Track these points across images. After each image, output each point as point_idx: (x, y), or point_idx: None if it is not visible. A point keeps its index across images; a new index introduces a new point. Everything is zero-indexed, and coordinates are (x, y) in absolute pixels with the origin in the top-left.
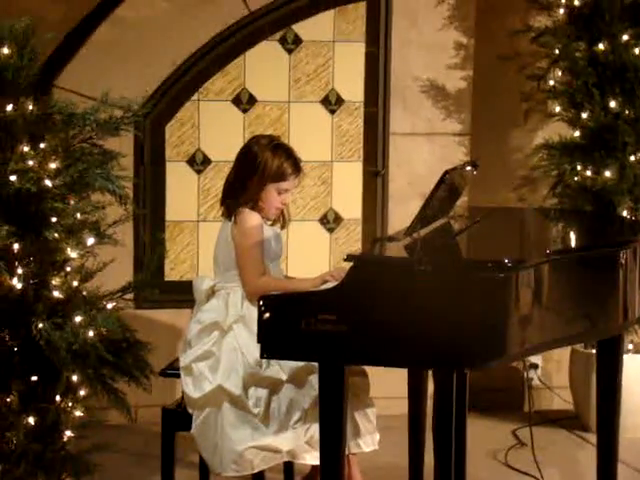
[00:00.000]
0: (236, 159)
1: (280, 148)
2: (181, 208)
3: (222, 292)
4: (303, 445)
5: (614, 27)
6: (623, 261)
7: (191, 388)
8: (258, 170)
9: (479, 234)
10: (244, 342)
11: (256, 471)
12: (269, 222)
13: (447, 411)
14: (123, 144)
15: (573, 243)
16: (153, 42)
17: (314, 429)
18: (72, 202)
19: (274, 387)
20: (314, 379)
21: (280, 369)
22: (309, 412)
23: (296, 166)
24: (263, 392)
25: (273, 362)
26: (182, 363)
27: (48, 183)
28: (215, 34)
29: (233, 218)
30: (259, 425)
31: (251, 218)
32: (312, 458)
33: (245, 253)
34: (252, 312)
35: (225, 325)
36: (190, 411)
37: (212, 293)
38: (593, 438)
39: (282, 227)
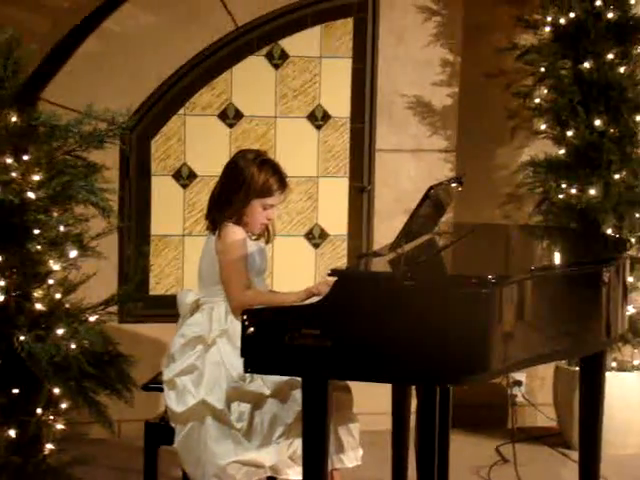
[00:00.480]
0: (222, 173)
1: (266, 164)
2: (166, 222)
3: (206, 306)
4: (286, 460)
5: (599, 46)
6: (606, 278)
7: (174, 402)
8: (244, 185)
9: (463, 250)
10: (227, 356)
11: None
12: (253, 237)
13: (429, 427)
14: (109, 157)
15: (557, 260)
16: (140, 56)
17: (297, 444)
18: (55, 214)
19: (257, 402)
20: (297, 394)
21: (263, 384)
22: (292, 427)
23: (282, 182)
24: (246, 407)
25: (256, 377)
26: (165, 377)
27: (31, 195)
28: (202, 49)
29: (217, 232)
30: (242, 440)
31: (235, 232)
32: (295, 473)
33: (229, 267)
34: (236, 326)
35: (209, 339)
36: (173, 425)
37: (196, 307)
38: (576, 455)
39: (267, 242)
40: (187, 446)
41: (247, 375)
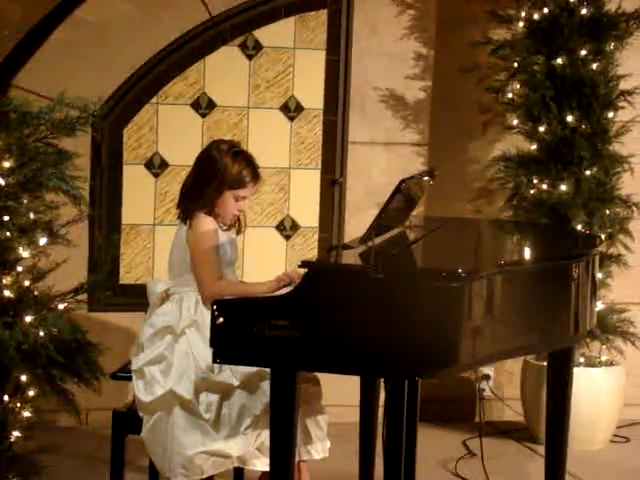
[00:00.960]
0: (195, 163)
1: (240, 155)
2: (137, 211)
3: (176, 296)
4: (253, 451)
5: (572, 42)
6: (575, 274)
7: (142, 391)
8: (217, 176)
9: (434, 244)
10: (196, 347)
11: (205, 476)
12: (224, 227)
13: (397, 420)
14: (80, 145)
15: (527, 255)
16: (113, 44)
17: (264, 435)
18: (25, 201)
19: (225, 392)
20: (266, 385)
21: (232, 375)
22: (260, 418)
23: (255, 174)
24: (214, 397)
25: (225, 367)
26: (134, 366)
27: (1, 181)
28: (175, 38)
29: (189, 222)
30: (210, 430)
31: (206, 223)
32: (262, 464)
33: (201, 257)
34: (205, 317)
35: (178, 329)
36: (141, 414)
37: (166, 297)
38: (542, 450)
39: (237, 233)
40: (154, 436)
41: (216, 366)
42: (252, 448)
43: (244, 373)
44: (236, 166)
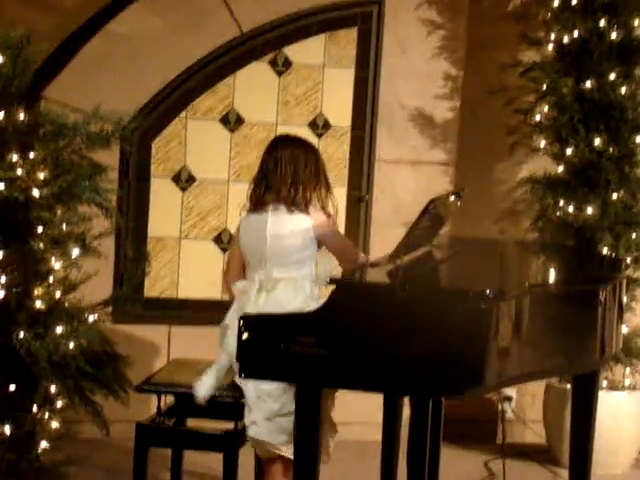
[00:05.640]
0: (299, 156)
1: None
2: (164, 224)
3: (290, 281)
4: None
5: (602, 65)
6: (602, 298)
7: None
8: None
9: (461, 264)
10: None
11: None
12: None
13: (422, 439)
14: (108, 157)
15: (554, 278)
16: (144, 58)
17: None
18: (59, 212)
19: None
20: None
21: None
22: None
23: None
24: None
25: None
26: None
27: (36, 193)
28: (206, 53)
29: (306, 212)
30: None
31: (321, 211)
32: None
33: (341, 237)
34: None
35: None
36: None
37: (274, 283)
38: (565, 473)
39: None
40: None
41: None
42: None
43: None
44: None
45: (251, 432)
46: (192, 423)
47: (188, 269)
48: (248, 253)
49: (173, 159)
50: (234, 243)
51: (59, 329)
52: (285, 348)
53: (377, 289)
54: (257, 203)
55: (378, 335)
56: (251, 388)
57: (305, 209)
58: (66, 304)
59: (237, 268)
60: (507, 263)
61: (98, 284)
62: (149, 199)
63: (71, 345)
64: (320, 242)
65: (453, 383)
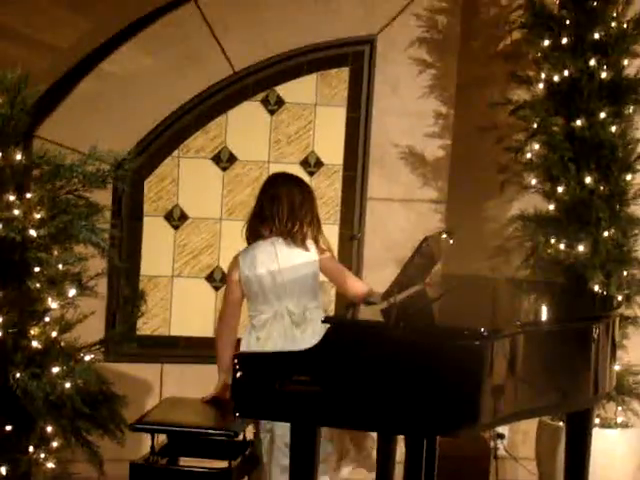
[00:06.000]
0: (297, 193)
1: None
2: (156, 263)
3: (314, 316)
4: None
5: (592, 104)
6: (595, 336)
7: None
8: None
9: (453, 302)
10: None
11: None
12: None
13: (417, 476)
14: (102, 197)
15: (547, 315)
16: (136, 97)
17: None
18: (55, 253)
19: None
20: None
21: None
22: None
23: None
24: None
25: None
26: None
27: (33, 233)
28: (198, 92)
29: (311, 246)
30: None
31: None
32: None
33: (341, 267)
34: None
35: None
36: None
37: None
38: None
39: None
40: None
41: None
42: None
43: None
44: None
45: None
46: (185, 462)
47: (180, 307)
48: (252, 287)
49: (165, 198)
50: (233, 282)
51: (55, 369)
52: (280, 387)
53: (371, 327)
54: (255, 237)
55: (372, 374)
56: None
57: (302, 244)
58: (62, 344)
59: (238, 306)
60: (499, 301)
61: (91, 324)
62: (142, 238)
63: (67, 385)
64: (326, 272)
65: (448, 422)
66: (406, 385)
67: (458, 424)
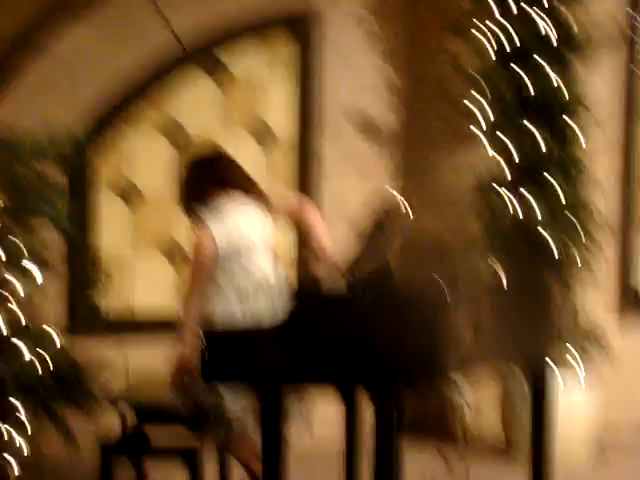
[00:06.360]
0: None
1: None
2: (115, 242)
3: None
4: None
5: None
6: (549, 284)
7: None
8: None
9: (412, 264)
10: None
11: None
12: None
13: (388, 434)
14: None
15: (505, 266)
16: (82, 73)
17: None
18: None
19: None
20: None
21: None
22: None
23: None
24: None
25: None
26: None
27: None
28: (144, 66)
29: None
30: None
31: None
32: None
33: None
34: None
35: None
36: None
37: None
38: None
39: None
40: None
41: None
42: None
43: None
44: None
45: None
46: (154, 434)
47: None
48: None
49: (117, 172)
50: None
51: (24, 349)
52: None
53: (334, 293)
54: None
55: (338, 332)
56: None
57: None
58: (28, 323)
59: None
60: (458, 259)
61: (53, 301)
62: (96, 213)
63: (36, 363)
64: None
65: (412, 373)
66: (369, 341)
67: (423, 374)
